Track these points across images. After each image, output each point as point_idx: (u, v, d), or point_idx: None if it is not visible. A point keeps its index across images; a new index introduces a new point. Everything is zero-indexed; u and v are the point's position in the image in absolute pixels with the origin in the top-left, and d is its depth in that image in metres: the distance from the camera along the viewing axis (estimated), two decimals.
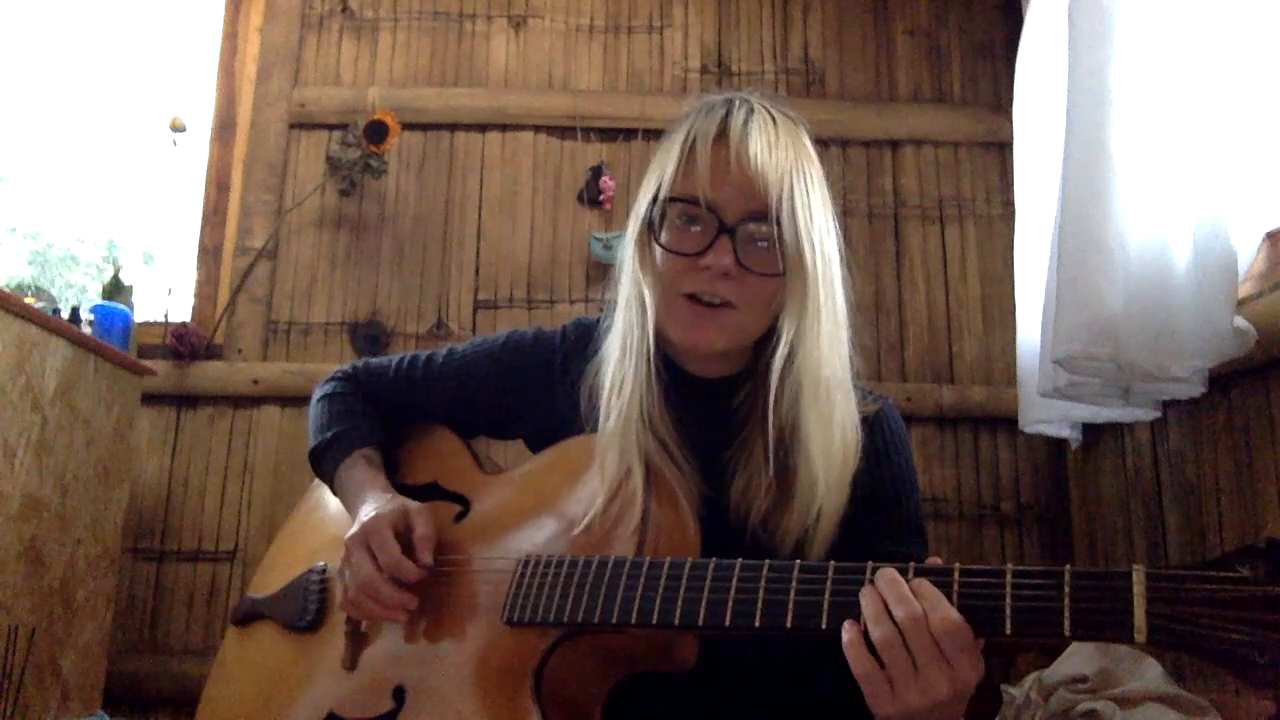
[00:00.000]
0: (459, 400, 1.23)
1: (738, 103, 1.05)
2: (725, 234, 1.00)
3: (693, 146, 1.03)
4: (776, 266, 1.00)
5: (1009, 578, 0.76)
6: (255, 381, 2.39)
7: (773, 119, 1.04)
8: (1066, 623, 0.72)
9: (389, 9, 2.63)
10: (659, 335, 1.05)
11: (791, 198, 1.00)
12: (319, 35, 2.61)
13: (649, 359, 1.03)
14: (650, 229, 1.05)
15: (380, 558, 1.01)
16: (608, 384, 1.05)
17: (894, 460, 1.07)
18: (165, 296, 2.47)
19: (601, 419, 1.03)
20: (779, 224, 0.99)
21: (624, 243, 1.10)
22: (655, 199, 1.05)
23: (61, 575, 1.86)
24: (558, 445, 1.10)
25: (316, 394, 1.28)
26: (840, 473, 1.00)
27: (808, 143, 1.07)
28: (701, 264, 1.00)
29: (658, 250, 1.04)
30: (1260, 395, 1.59)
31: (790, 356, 1.01)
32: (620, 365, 1.04)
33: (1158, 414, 1.82)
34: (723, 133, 1.02)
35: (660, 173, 1.05)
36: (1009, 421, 2.29)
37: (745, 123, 1.02)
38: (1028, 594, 0.74)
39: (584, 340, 1.15)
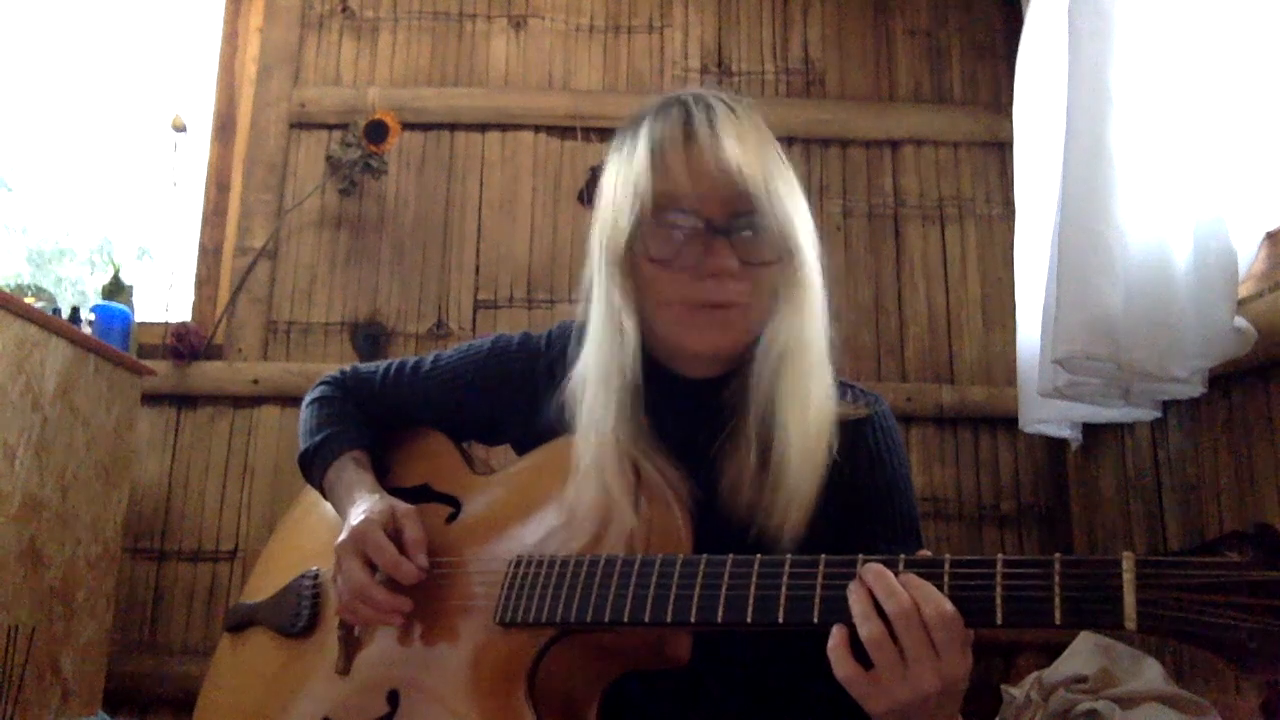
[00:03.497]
0: (445, 406, 1.22)
1: (694, 100, 1.03)
2: (720, 236, 0.98)
3: (662, 154, 1.00)
4: (772, 254, 1.00)
5: (1000, 567, 0.76)
6: (255, 381, 2.39)
7: (733, 111, 1.02)
8: (1057, 611, 0.72)
9: (389, 9, 2.63)
10: (646, 340, 1.04)
11: (771, 185, 0.99)
12: (319, 35, 2.61)
13: (634, 363, 1.01)
14: (631, 245, 1.01)
15: (380, 560, 1.01)
16: (590, 388, 1.03)
17: (887, 461, 1.06)
18: (165, 296, 2.47)
19: (586, 420, 1.02)
20: (765, 213, 0.98)
21: (589, 258, 1.06)
22: (631, 214, 1.00)
23: (61, 575, 1.86)
24: (546, 445, 1.09)
25: (305, 400, 1.27)
26: (815, 447, 0.98)
27: (765, 126, 1.05)
28: (707, 271, 0.98)
29: (646, 265, 1.01)
30: (1260, 395, 1.58)
31: (775, 334, 1.01)
32: (601, 365, 1.02)
33: (1158, 414, 1.82)
34: (690, 135, 0.99)
35: (631, 186, 1.01)
36: (1009, 421, 2.29)
37: (710, 120, 1.00)
38: (1018, 583, 0.74)
39: (569, 343, 1.13)
